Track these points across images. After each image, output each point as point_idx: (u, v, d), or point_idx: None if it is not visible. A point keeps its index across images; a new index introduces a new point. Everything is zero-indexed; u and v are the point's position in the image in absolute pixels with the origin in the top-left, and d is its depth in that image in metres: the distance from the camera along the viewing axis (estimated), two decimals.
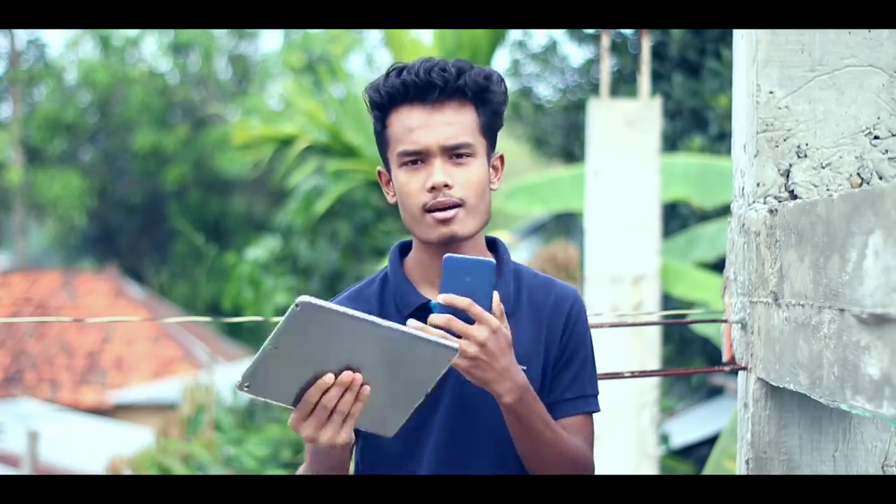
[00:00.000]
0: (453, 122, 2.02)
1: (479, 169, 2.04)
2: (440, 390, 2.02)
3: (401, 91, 2.02)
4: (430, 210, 2.01)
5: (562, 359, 2.09)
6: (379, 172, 2.14)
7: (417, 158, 2.02)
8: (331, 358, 1.78)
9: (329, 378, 1.78)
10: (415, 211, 2.03)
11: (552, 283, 2.15)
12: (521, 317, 2.07)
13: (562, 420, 2.07)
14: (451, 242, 2.03)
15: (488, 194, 2.06)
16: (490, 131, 2.08)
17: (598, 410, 2.11)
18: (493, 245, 2.15)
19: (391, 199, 2.12)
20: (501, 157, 2.14)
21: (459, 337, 1.86)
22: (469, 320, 1.87)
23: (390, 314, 2.07)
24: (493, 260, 1.91)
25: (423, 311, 2.04)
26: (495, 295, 1.90)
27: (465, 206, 2.01)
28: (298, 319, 1.72)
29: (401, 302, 2.08)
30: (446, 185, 2.00)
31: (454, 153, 2.02)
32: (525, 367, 2.02)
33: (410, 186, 2.02)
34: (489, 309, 1.88)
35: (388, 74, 2.05)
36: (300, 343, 1.75)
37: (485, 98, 2.05)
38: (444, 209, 2.00)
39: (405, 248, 2.16)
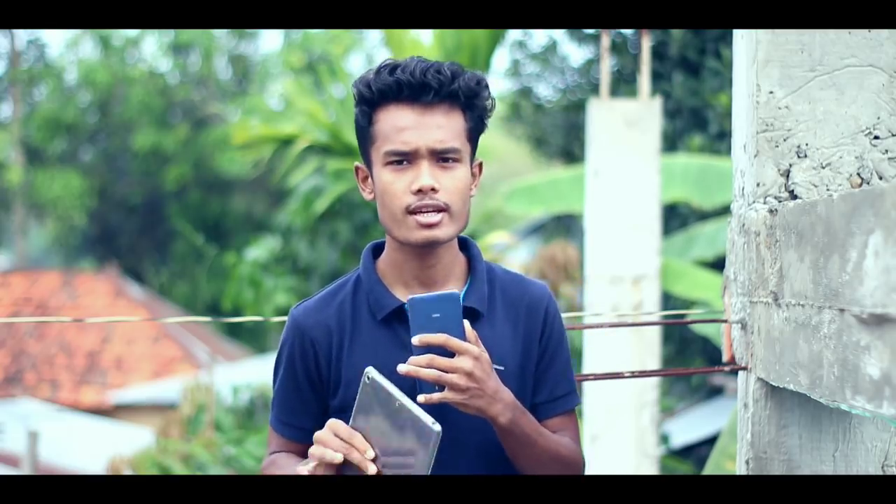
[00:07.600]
0: (443, 126, 2.00)
1: (464, 174, 2.03)
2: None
3: (393, 89, 1.99)
4: (413, 212, 1.99)
5: (544, 358, 2.10)
6: (357, 168, 2.11)
7: (404, 159, 2.00)
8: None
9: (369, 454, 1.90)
10: (396, 212, 2.00)
11: (524, 280, 2.15)
12: (496, 315, 2.08)
13: (553, 418, 2.07)
14: (432, 246, 2.03)
15: (469, 200, 2.05)
16: (474, 137, 2.07)
17: (580, 403, 2.16)
18: (464, 245, 2.14)
19: (367, 196, 2.09)
20: (480, 165, 2.12)
21: (447, 372, 1.89)
22: (448, 354, 1.89)
23: (364, 317, 2.07)
24: (455, 291, 1.93)
25: (398, 314, 2.05)
26: (466, 323, 1.92)
27: (449, 211, 2.00)
28: (365, 388, 1.91)
29: (375, 305, 2.07)
30: (433, 189, 1.98)
31: (442, 157, 2.00)
32: (503, 367, 2.03)
33: (395, 187, 2.00)
34: (463, 338, 1.90)
35: (379, 70, 2.01)
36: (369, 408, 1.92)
37: (473, 104, 2.03)
38: (429, 213, 1.99)
39: (378, 249, 2.14)
